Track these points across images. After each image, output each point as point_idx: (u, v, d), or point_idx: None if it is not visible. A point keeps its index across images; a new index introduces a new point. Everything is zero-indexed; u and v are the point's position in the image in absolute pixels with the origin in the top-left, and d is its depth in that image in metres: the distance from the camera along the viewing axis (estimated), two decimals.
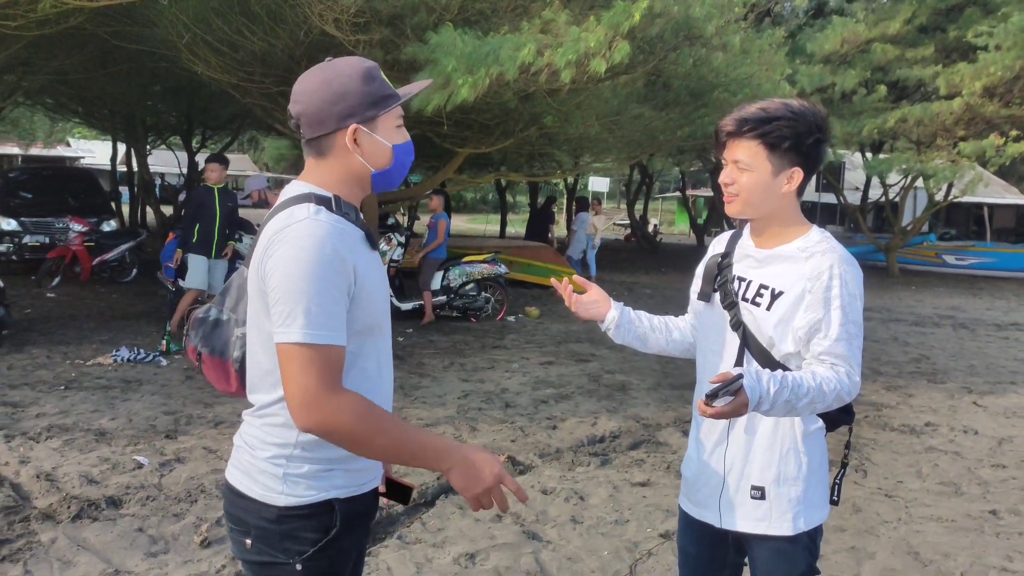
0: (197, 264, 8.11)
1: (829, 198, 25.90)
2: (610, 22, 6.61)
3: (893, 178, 19.23)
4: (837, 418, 2.04)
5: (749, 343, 1.98)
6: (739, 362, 1.99)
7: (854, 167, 23.01)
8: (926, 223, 21.09)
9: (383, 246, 10.04)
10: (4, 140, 31.91)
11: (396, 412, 5.80)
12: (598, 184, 28.86)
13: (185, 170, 22.13)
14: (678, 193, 33.56)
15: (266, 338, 1.62)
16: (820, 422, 2.02)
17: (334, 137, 1.68)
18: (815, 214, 30.48)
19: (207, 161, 8.73)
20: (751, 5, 12.32)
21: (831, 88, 14.93)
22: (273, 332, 1.57)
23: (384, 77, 1.73)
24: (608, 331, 2.26)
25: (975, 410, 6.64)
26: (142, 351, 7.29)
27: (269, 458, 1.66)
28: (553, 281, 2.32)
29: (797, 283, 1.90)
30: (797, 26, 17.18)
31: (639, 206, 28.42)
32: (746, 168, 1.92)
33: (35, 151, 34.35)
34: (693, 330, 2.28)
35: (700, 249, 25.02)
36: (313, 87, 1.67)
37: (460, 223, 36.79)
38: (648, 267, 19.45)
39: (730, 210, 1.99)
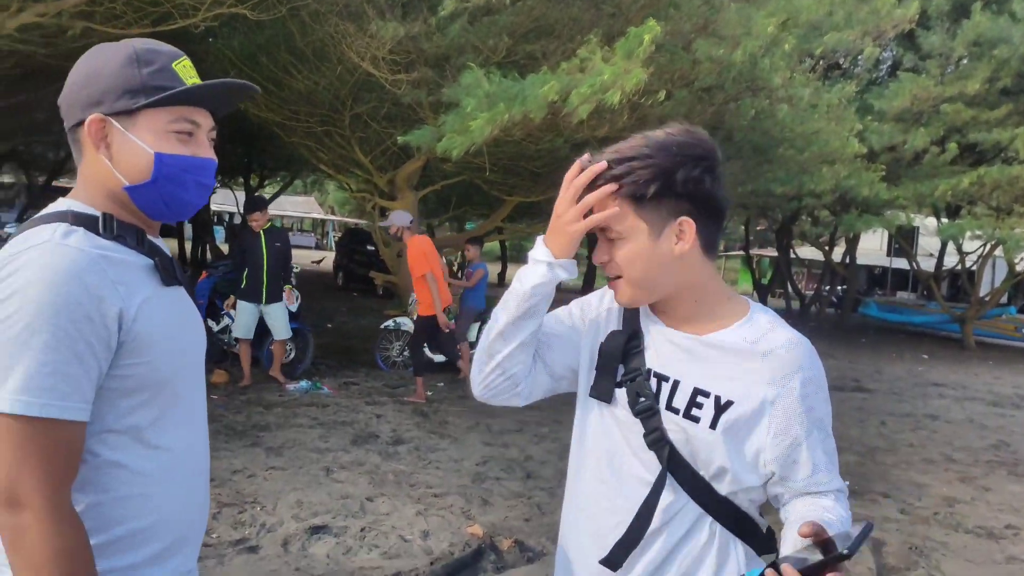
0: (244, 312, 7.88)
1: (901, 263, 24.81)
2: (624, 50, 6.18)
3: (971, 245, 18.19)
4: None
5: (676, 472, 1.37)
6: (654, 493, 1.37)
7: (929, 233, 22.00)
8: (1005, 294, 19.85)
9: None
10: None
11: (405, 477, 5.30)
12: None
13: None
14: (742, 252, 32.70)
15: None
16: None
17: (80, 131, 1.25)
18: (886, 280, 29.33)
19: (245, 211, 8.51)
20: (819, 57, 11.74)
21: (902, 146, 14.19)
22: None
23: (180, 69, 1.25)
24: None
25: None
26: None
27: None
28: None
29: (753, 390, 1.33)
30: (867, 82, 16.47)
31: None
32: (617, 237, 1.35)
33: None
34: (535, 369, 1.53)
35: None
36: (74, 68, 1.27)
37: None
38: None
39: (620, 299, 1.42)
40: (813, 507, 1.35)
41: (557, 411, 7.90)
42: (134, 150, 1.24)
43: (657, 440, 1.37)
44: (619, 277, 1.38)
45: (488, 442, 6.48)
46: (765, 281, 30.44)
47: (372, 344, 9.84)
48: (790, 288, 25.02)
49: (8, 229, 9.55)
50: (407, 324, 9.59)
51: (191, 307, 1.36)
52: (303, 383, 7.93)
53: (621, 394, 1.43)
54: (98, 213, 1.25)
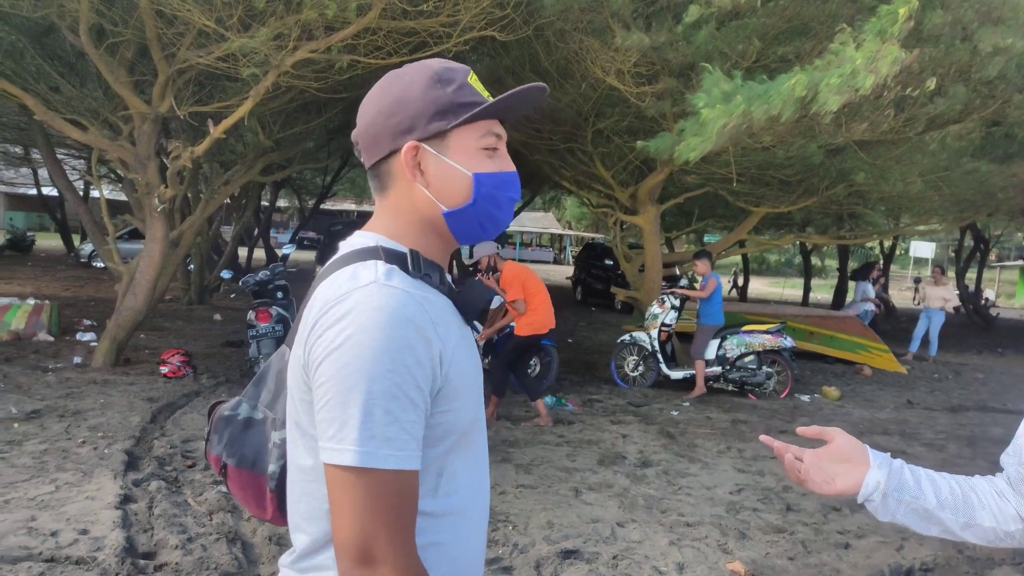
0: None
1: None
2: (876, 29, 5.54)
3: None
4: None
5: None
6: None
7: None
8: None
9: (655, 308, 9.38)
10: (342, 198, 36.03)
11: (655, 503, 5.10)
12: (921, 249, 25.81)
13: None
14: (1021, 261, 29.15)
15: (311, 446, 1.13)
16: None
17: (391, 162, 1.19)
18: None
19: None
20: None
21: None
22: (320, 447, 1.07)
23: (474, 83, 1.18)
24: (869, 504, 1.36)
25: None
26: None
27: None
28: (763, 439, 1.46)
29: None
30: None
31: (971, 275, 24.99)
32: None
33: (367, 207, 38.37)
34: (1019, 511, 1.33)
35: None
36: (370, 98, 1.21)
37: (761, 286, 34.97)
38: (980, 346, 16.76)
39: None
40: None
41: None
42: (452, 174, 1.18)
43: None
44: None
45: (741, 468, 6.11)
46: None
47: (609, 360, 9.75)
48: None
49: (285, 250, 10.46)
50: (643, 339, 9.39)
51: (476, 347, 1.28)
52: (548, 399, 7.97)
53: None
54: (404, 249, 1.19)
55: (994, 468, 1.41)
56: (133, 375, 8.02)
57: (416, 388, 1.06)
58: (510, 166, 1.23)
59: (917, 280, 17.63)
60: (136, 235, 17.97)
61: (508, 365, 7.33)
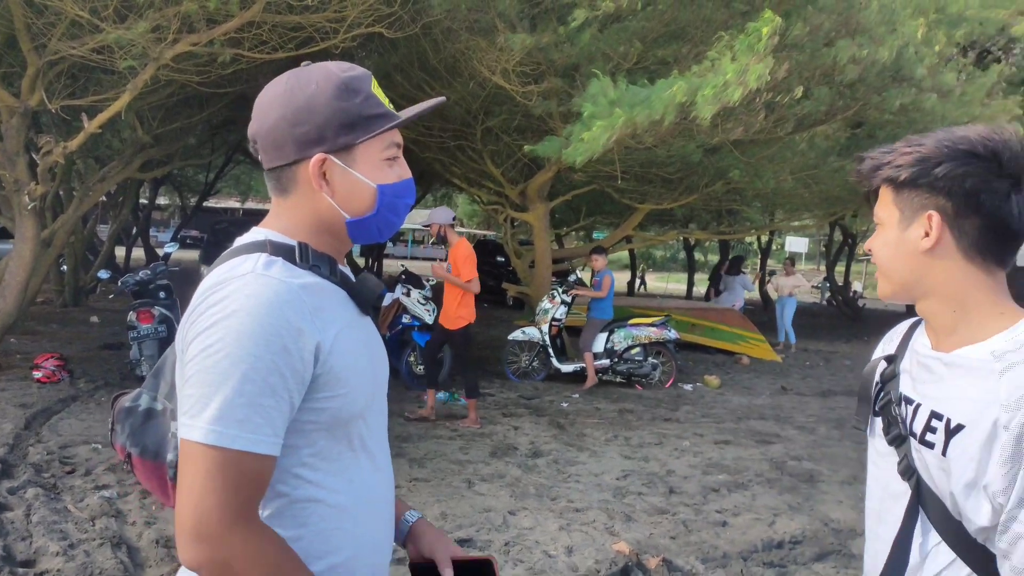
0: None
1: None
2: (744, 45, 5.93)
3: None
4: None
5: (927, 505, 1.25)
6: (907, 533, 1.27)
7: None
8: None
9: (545, 303, 9.58)
10: (226, 196, 34.93)
11: (545, 491, 5.25)
12: (795, 244, 27.10)
13: None
14: None
15: None
16: None
17: (295, 170, 1.22)
18: None
19: None
20: (964, 46, 10.96)
21: None
22: (179, 423, 1.12)
23: (376, 92, 1.24)
24: None
25: None
26: None
27: None
28: None
29: (985, 412, 1.14)
30: None
31: (840, 268, 26.43)
32: (878, 223, 1.34)
33: (251, 204, 37.32)
34: None
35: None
36: (272, 100, 1.22)
37: (647, 281, 35.94)
38: (849, 335, 17.79)
39: (878, 293, 1.38)
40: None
41: (696, 424, 7.69)
42: (357, 185, 1.23)
43: (907, 470, 1.29)
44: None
45: (627, 455, 6.35)
46: None
47: (501, 355, 9.90)
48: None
49: (167, 249, 10.14)
50: (535, 334, 9.59)
51: (377, 336, 1.34)
52: (441, 395, 8.04)
53: (878, 422, 1.38)
54: (294, 242, 1.22)
55: (859, 450, 1.60)
56: (4, 381, 7.61)
57: (278, 375, 1.09)
58: (407, 172, 1.29)
59: (771, 273, 18.64)
60: (5, 235, 16.99)
61: (468, 362, 7.38)
